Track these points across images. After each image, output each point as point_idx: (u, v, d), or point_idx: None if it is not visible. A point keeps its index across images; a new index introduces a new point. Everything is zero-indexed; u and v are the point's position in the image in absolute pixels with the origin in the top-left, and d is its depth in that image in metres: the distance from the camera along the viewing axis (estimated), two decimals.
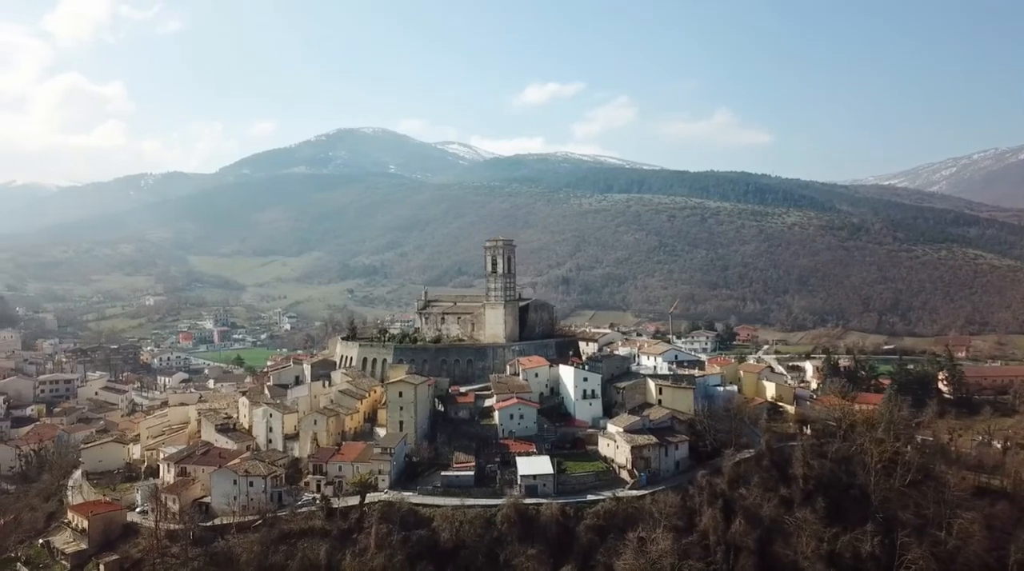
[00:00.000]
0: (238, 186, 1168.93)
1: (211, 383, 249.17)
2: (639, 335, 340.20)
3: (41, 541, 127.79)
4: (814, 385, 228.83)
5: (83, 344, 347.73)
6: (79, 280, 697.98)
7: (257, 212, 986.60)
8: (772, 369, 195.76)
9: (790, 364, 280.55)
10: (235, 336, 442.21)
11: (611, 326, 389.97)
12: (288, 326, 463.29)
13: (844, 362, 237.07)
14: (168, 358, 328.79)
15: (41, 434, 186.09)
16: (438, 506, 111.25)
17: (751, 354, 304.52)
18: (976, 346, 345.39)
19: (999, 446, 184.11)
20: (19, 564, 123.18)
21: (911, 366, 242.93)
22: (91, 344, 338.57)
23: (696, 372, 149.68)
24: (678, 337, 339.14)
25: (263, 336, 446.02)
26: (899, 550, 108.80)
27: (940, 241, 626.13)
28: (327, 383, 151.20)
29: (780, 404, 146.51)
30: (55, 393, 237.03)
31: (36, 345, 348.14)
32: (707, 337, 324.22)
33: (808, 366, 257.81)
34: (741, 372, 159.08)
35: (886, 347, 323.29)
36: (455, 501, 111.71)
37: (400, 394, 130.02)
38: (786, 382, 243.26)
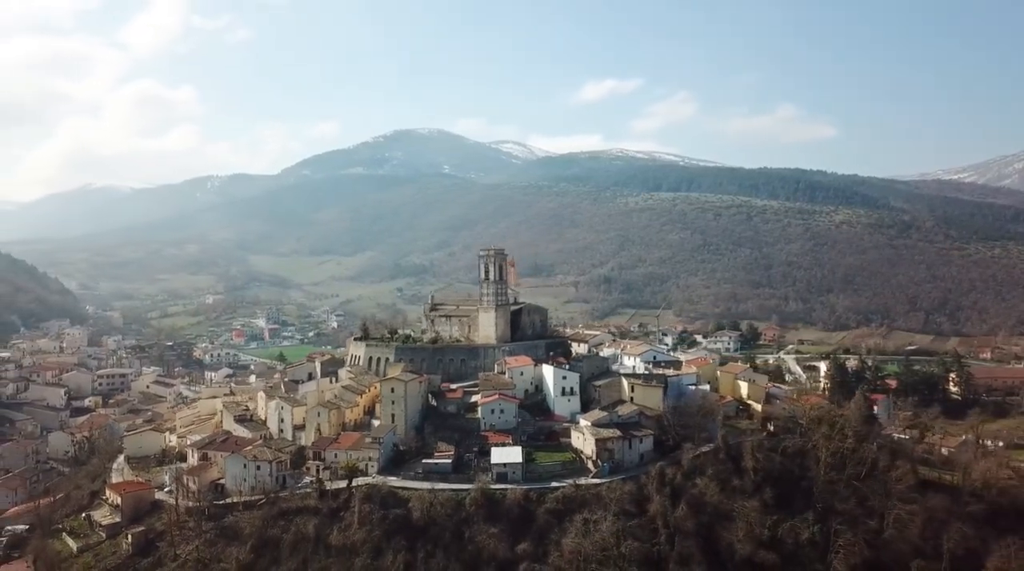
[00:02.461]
0: (298, 187, 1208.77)
1: (252, 378, 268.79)
2: (665, 334, 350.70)
3: (84, 515, 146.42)
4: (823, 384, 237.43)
5: (142, 341, 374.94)
6: (147, 279, 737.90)
7: (315, 212, 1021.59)
8: (755, 368, 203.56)
9: (807, 364, 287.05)
10: (285, 333, 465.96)
11: (640, 326, 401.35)
12: (335, 324, 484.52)
13: (852, 363, 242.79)
14: (218, 355, 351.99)
15: (94, 423, 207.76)
16: (415, 489, 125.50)
17: (771, 354, 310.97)
18: None
19: (990, 445, 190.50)
20: (64, 534, 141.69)
21: (917, 367, 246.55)
22: (149, 341, 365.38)
23: (670, 372, 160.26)
24: (704, 337, 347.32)
25: (311, 334, 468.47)
26: (833, 537, 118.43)
27: (996, 238, 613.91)
28: (334, 379, 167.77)
29: (750, 403, 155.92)
30: (111, 386, 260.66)
31: (102, 341, 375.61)
32: (730, 337, 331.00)
33: (823, 366, 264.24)
34: (718, 372, 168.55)
35: (909, 347, 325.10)
36: (431, 485, 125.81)
37: (392, 390, 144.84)
38: (804, 378, 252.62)
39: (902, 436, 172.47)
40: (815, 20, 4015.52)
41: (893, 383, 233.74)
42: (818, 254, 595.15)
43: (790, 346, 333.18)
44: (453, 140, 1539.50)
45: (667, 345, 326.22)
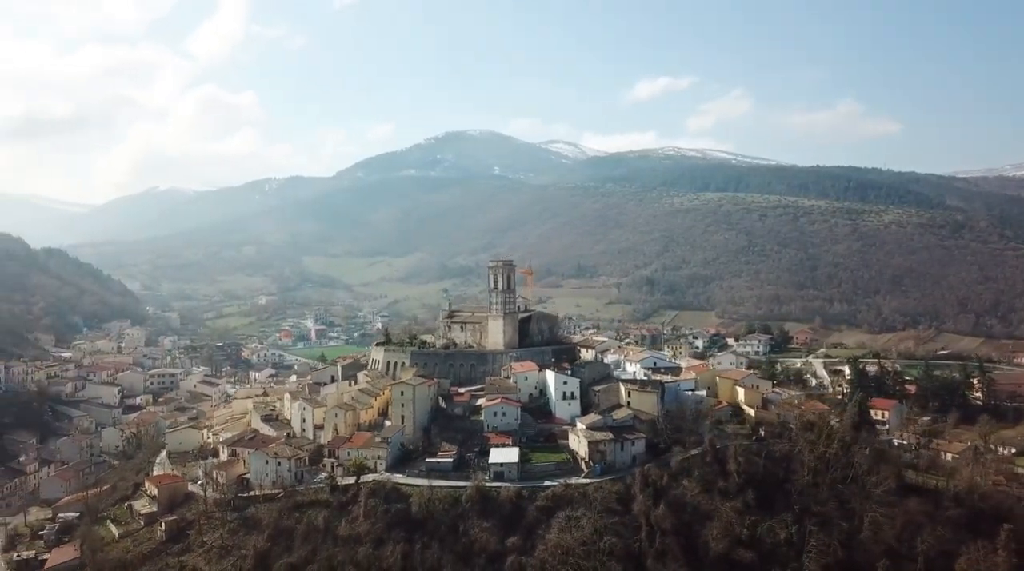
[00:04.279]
0: (352, 189, 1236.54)
1: (293, 378, 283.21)
2: (695, 337, 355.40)
3: (127, 504, 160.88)
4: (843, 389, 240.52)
5: (196, 342, 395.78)
6: (206, 281, 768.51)
7: (368, 214, 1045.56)
8: (774, 374, 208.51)
9: (834, 368, 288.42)
10: (331, 334, 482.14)
11: (673, 329, 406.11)
12: (379, 325, 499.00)
13: (872, 368, 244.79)
14: (265, 355, 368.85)
15: (142, 420, 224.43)
16: (417, 486, 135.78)
17: (799, 358, 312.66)
18: None
19: (1003, 451, 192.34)
20: (108, 521, 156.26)
21: (938, 372, 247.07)
22: (200, 342, 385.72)
23: (668, 378, 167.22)
24: (736, 340, 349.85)
25: (356, 334, 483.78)
26: (807, 537, 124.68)
27: None
28: (353, 382, 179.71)
29: (745, 408, 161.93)
30: (161, 385, 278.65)
31: (159, 342, 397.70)
32: (760, 341, 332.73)
33: (847, 371, 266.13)
34: (717, 378, 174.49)
35: (941, 352, 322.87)
36: (431, 482, 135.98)
37: (402, 393, 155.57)
38: (828, 382, 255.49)
39: (901, 441, 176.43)
40: (877, 11, 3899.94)
41: (912, 388, 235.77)
42: (865, 255, 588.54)
43: (821, 350, 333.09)
44: (503, 141, 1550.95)
45: (697, 348, 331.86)
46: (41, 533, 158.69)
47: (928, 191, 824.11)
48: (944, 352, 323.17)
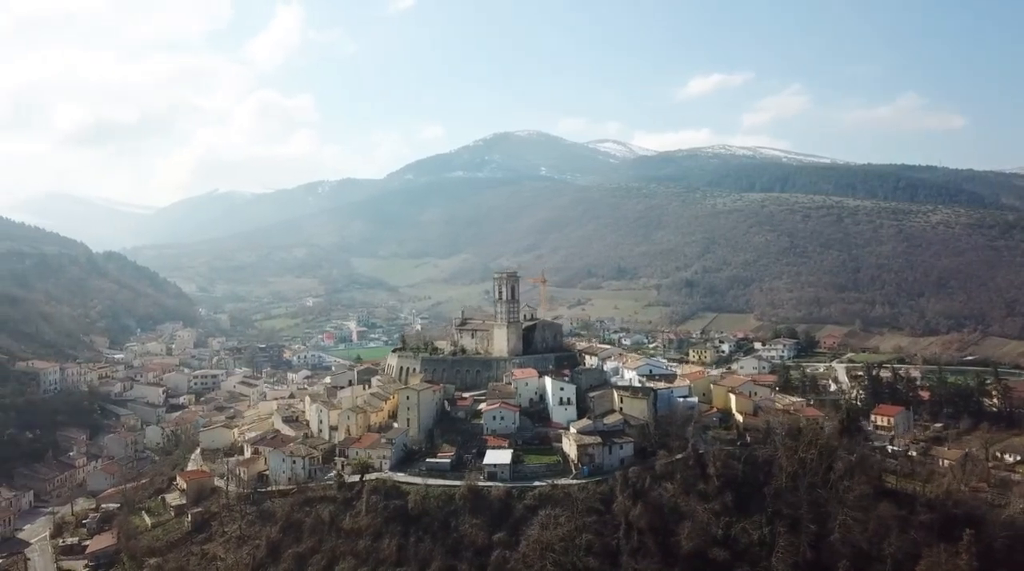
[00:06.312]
0: (402, 191, 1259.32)
1: (328, 379, 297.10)
2: (721, 342, 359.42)
3: (160, 497, 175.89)
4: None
5: (242, 343, 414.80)
6: (258, 282, 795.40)
7: (416, 215, 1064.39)
8: (789, 380, 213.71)
9: (856, 373, 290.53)
10: (372, 336, 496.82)
11: (702, 333, 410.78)
12: (419, 326, 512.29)
13: (885, 374, 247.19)
14: (305, 356, 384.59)
15: (182, 419, 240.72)
16: (415, 484, 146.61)
17: (823, 362, 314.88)
18: None
19: (1008, 459, 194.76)
20: (144, 512, 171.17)
21: (952, 379, 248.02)
22: (246, 343, 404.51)
23: (662, 384, 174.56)
24: (762, 344, 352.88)
25: (396, 336, 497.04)
26: (777, 538, 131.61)
27: None
28: (367, 386, 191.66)
29: (736, 414, 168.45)
30: (204, 385, 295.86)
31: (208, 343, 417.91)
32: (785, 345, 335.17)
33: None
34: (711, 385, 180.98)
35: (968, 358, 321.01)
36: (429, 481, 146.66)
37: (408, 397, 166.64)
38: (848, 387, 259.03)
39: (895, 448, 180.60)
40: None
41: (926, 395, 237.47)
42: (910, 256, 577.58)
43: (846, 355, 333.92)
44: (551, 142, 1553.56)
45: (723, 352, 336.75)
46: (85, 522, 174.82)
47: (983, 189, 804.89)
48: (971, 358, 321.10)
